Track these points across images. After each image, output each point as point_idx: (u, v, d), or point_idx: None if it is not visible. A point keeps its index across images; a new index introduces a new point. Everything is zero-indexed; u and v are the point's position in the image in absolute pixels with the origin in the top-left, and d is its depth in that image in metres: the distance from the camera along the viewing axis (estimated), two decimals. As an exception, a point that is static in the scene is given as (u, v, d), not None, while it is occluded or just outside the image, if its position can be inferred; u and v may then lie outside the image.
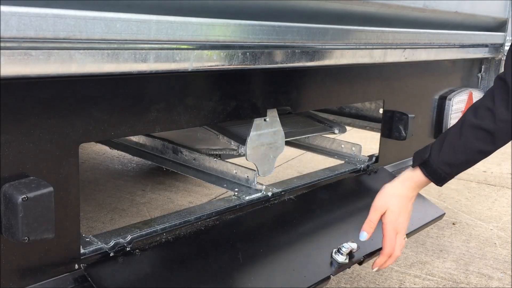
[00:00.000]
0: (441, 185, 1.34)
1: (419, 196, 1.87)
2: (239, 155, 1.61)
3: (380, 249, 1.38)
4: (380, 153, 1.95)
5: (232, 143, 1.56)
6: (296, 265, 1.34)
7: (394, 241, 1.35)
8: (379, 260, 1.37)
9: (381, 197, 1.35)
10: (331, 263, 1.38)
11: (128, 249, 1.16)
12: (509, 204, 3.38)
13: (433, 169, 1.29)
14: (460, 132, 1.25)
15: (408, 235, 1.64)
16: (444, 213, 1.86)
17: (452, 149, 1.26)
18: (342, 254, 1.37)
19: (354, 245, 1.39)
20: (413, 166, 1.33)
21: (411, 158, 2.17)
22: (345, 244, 1.39)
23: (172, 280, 1.15)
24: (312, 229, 1.51)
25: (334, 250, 1.39)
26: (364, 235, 1.36)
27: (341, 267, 1.37)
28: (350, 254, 1.39)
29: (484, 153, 1.25)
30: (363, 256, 1.42)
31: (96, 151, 4.00)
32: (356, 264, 1.43)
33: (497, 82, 1.23)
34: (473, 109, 1.26)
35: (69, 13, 0.86)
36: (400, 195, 1.33)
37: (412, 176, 1.33)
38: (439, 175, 1.29)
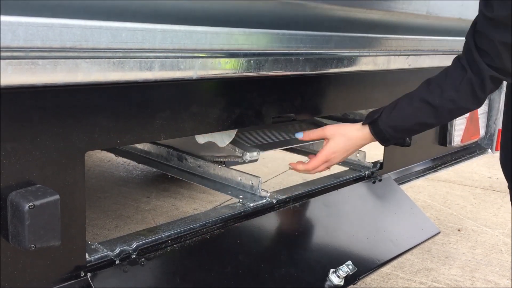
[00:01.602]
0: (385, 145, 1.50)
1: (417, 211, 1.88)
2: (244, 162, 1.61)
3: (375, 268, 1.54)
4: (385, 160, 1.95)
5: (237, 150, 1.57)
6: (292, 279, 1.34)
7: (319, 165, 1.50)
8: (299, 166, 1.53)
9: (334, 129, 1.49)
10: (327, 283, 1.39)
11: (133, 256, 1.16)
12: (515, 210, 3.36)
13: (380, 129, 1.40)
14: (411, 102, 1.36)
15: (403, 253, 1.67)
16: (439, 232, 1.88)
17: (399, 115, 1.38)
18: (339, 276, 1.39)
19: (352, 268, 1.40)
20: (363, 123, 1.45)
21: (416, 164, 2.18)
22: (343, 267, 1.40)
23: None
24: (313, 240, 1.51)
25: (332, 270, 1.40)
26: (300, 135, 1.56)
27: None
28: (346, 277, 1.40)
29: (427, 125, 1.37)
30: (358, 278, 1.44)
31: (101, 158, 4.01)
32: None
33: (454, 62, 1.32)
34: (427, 83, 1.36)
35: (75, 22, 0.87)
36: (348, 138, 1.47)
37: (362, 130, 1.45)
38: (383, 135, 1.41)
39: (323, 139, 1.52)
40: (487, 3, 1.19)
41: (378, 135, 1.42)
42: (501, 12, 1.16)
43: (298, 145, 1.64)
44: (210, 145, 1.59)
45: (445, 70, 1.34)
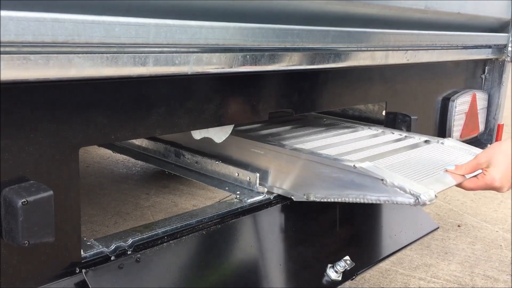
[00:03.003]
0: None
1: (415, 208, 1.84)
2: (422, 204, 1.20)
3: (374, 264, 1.49)
4: (383, 155, 1.94)
5: (408, 190, 1.19)
6: (289, 274, 1.34)
7: (480, 188, 1.27)
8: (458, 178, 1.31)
9: (488, 153, 1.26)
10: (324, 278, 1.38)
11: (129, 252, 1.15)
12: (515, 205, 3.35)
13: None
14: None
15: (401, 249, 1.67)
16: (438, 227, 1.88)
17: None
18: (336, 272, 1.39)
19: (349, 263, 1.40)
20: None
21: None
22: (341, 263, 1.40)
23: (173, 284, 1.15)
24: (311, 235, 1.50)
25: (329, 265, 1.40)
26: (451, 167, 1.32)
27: (333, 284, 1.39)
28: (344, 272, 1.40)
29: None
30: (356, 273, 1.44)
31: (100, 155, 4.01)
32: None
33: None
34: None
35: (68, 17, 0.86)
36: (509, 153, 1.22)
37: None
38: None
39: (479, 169, 1.28)
40: None
41: None
42: None
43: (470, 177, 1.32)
44: (361, 184, 1.25)
45: None
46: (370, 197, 1.25)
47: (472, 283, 2.38)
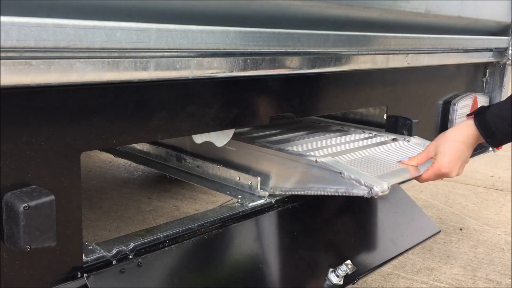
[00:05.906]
0: (492, 144, 1.33)
1: (417, 210, 1.87)
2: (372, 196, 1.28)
3: (375, 268, 1.50)
4: (385, 159, 1.94)
5: (362, 182, 1.27)
6: (290, 279, 1.34)
7: (432, 177, 1.39)
8: (411, 163, 1.44)
9: (436, 142, 1.38)
10: (326, 283, 1.39)
11: (130, 257, 1.15)
12: (517, 209, 3.34)
13: (485, 120, 1.29)
14: None
15: (403, 253, 1.67)
16: (440, 231, 1.87)
17: (510, 104, 1.25)
18: (338, 276, 1.39)
19: (351, 267, 1.40)
20: (468, 115, 1.36)
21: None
22: (342, 267, 1.40)
23: (175, 288, 1.15)
24: (312, 239, 1.50)
25: (331, 269, 1.40)
26: (404, 159, 1.46)
27: None
28: (346, 276, 1.40)
29: None
30: (357, 277, 1.44)
31: (102, 159, 4.01)
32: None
33: None
34: None
35: (69, 22, 0.87)
36: (452, 140, 1.34)
37: (467, 127, 1.34)
38: (489, 127, 1.29)
39: (430, 158, 1.41)
40: None
41: (483, 127, 1.30)
42: None
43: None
44: (322, 177, 1.35)
45: None
46: (329, 190, 1.36)
47: (475, 287, 2.37)
